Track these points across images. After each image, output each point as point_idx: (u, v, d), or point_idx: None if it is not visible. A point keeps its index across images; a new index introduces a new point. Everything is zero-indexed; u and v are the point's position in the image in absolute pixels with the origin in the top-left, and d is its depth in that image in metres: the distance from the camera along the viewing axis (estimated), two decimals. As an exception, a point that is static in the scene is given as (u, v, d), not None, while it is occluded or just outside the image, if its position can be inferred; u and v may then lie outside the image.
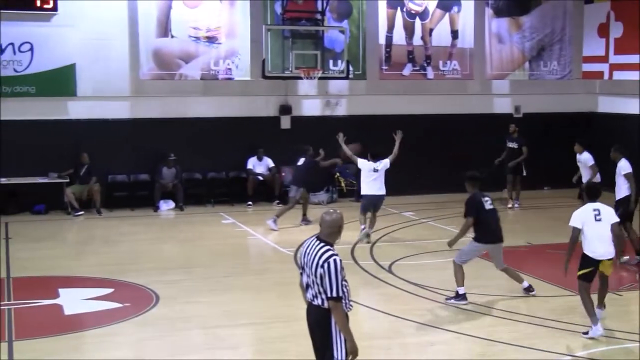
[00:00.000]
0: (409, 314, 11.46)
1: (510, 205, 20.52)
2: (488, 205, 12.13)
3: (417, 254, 15.33)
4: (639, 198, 14.72)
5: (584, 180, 16.28)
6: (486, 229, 12.11)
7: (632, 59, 22.51)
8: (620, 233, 11.74)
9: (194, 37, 20.97)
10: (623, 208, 14.34)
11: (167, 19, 20.65)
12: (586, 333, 10.48)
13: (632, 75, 22.57)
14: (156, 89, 20.76)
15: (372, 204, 16.27)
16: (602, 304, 11.17)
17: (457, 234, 12.30)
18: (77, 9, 19.92)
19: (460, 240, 12.28)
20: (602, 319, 10.72)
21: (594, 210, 10.59)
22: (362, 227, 16.29)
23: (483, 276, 13.67)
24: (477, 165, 17.71)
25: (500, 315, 11.43)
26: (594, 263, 10.53)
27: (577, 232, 10.49)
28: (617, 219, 10.96)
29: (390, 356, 10.13)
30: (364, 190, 16.33)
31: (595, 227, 10.49)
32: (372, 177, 16.15)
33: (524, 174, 20.81)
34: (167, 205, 20.51)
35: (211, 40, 21.08)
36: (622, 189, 14.61)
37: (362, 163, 16.31)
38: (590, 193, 10.94)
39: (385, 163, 16.20)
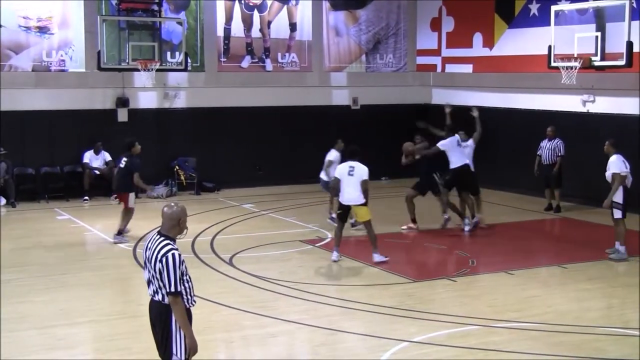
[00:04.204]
0: (250, 306, 11.46)
1: None
2: None
3: (258, 246, 15.36)
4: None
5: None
6: None
7: (463, 52, 23.34)
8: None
9: (24, 27, 20.22)
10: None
11: (-5, 7, 19.84)
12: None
13: (462, 68, 23.39)
14: (-17, 81, 19.90)
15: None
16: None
17: None
18: None
19: None
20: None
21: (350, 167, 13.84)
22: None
23: (322, 267, 13.86)
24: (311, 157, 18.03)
25: (340, 305, 11.58)
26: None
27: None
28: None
29: (232, 349, 10.11)
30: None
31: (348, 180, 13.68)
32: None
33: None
34: (-2, 202, 19.75)
35: (43, 30, 20.39)
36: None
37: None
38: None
39: (470, 143, 17.25)
